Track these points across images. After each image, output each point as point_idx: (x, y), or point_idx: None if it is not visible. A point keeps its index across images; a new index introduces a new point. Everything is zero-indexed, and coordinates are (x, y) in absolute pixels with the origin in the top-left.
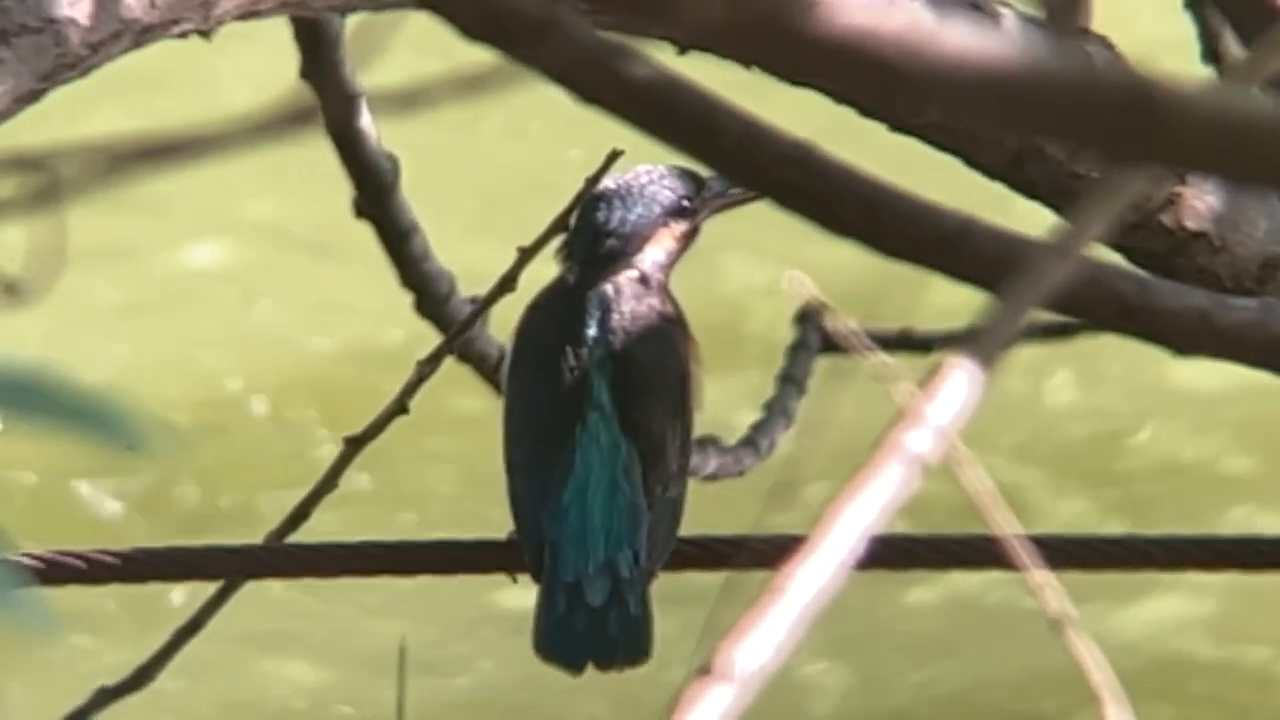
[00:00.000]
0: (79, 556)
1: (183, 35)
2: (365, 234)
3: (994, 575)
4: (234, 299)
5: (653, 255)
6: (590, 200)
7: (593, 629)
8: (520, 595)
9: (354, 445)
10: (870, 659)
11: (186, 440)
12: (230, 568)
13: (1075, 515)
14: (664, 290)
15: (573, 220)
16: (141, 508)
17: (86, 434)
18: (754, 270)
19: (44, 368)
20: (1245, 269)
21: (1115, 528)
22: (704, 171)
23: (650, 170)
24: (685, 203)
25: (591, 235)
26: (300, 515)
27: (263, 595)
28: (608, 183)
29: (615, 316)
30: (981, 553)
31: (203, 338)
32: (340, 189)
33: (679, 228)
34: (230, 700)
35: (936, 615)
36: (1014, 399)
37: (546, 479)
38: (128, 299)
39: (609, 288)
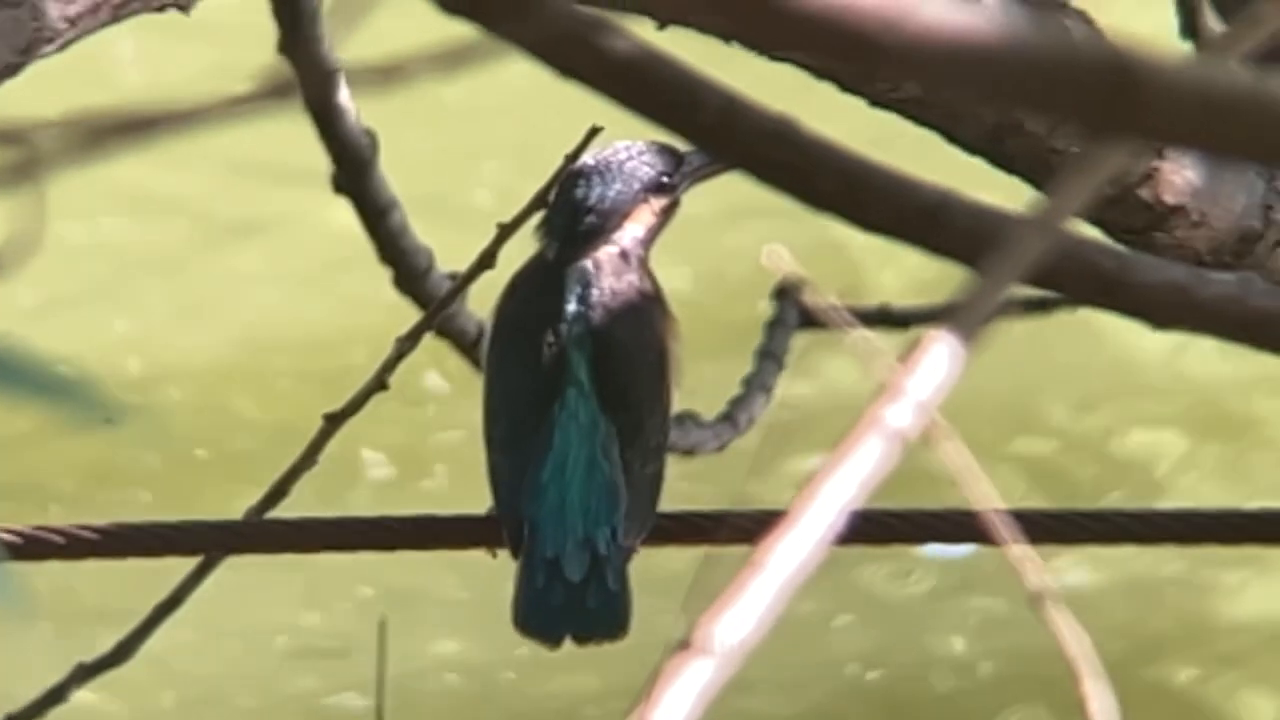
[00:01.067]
0: (57, 531)
1: (160, 9)
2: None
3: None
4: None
5: (632, 231)
6: (569, 176)
7: (571, 603)
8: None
9: (333, 422)
10: (1012, 634)
11: (164, 416)
12: (210, 542)
13: (1212, 489)
14: (643, 266)
15: (552, 196)
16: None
17: (58, 406)
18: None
19: (6, 341)
20: (1223, 243)
21: (1256, 503)
22: (683, 146)
23: (629, 146)
24: (665, 178)
25: (571, 212)
26: (279, 492)
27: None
28: (587, 159)
29: (594, 293)
30: (961, 527)
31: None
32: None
33: (659, 203)
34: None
35: (1080, 586)
36: (1152, 368)
37: (525, 455)
38: (273, 268)
39: (588, 264)
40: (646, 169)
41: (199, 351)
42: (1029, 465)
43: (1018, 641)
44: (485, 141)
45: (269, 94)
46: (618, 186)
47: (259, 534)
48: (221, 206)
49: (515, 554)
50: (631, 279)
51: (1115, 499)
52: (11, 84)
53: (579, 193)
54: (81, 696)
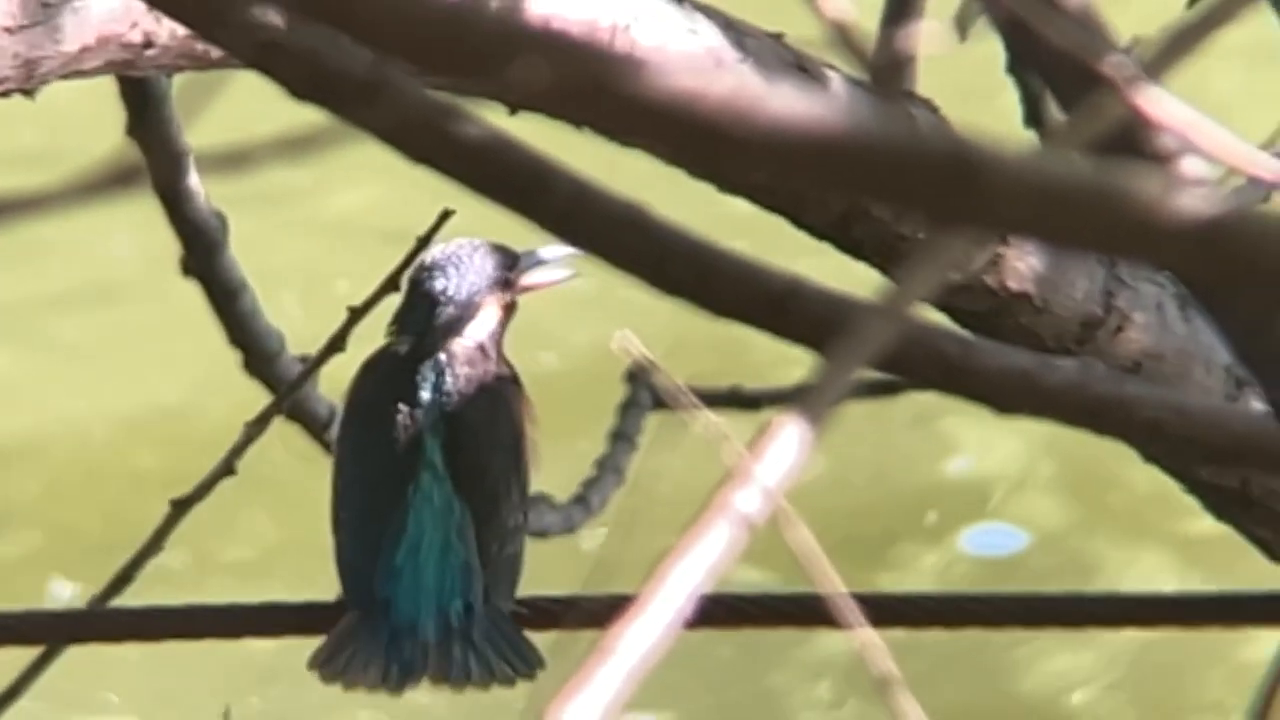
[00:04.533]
0: None
1: (5, 94)
2: None
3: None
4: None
5: (484, 323)
6: (420, 270)
7: (422, 657)
8: None
9: (180, 507)
10: None
11: None
12: (52, 632)
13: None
14: (499, 354)
15: (403, 289)
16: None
17: None
18: None
19: None
20: (1066, 329)
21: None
22: (517, 247)
23: (471, 242)
24: (507, 274)
25: (424, 304)
26: (124, 578)
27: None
28: (434, 252)
29: (449, 378)
30: (812, 611)
31: None
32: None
33: (503, 298)
34: None
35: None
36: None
37: (376, 539)
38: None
39: (440, 356)
40: (491, 264)
41: (35, 429)
42: None
43: None
44: (337, 225)
45: (117, 178)
46: (470, 278)
47: (103, 623)
48: (66, 278)
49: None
50: (487, 366)
51: None
52: None
53: (433, 284)
54: None
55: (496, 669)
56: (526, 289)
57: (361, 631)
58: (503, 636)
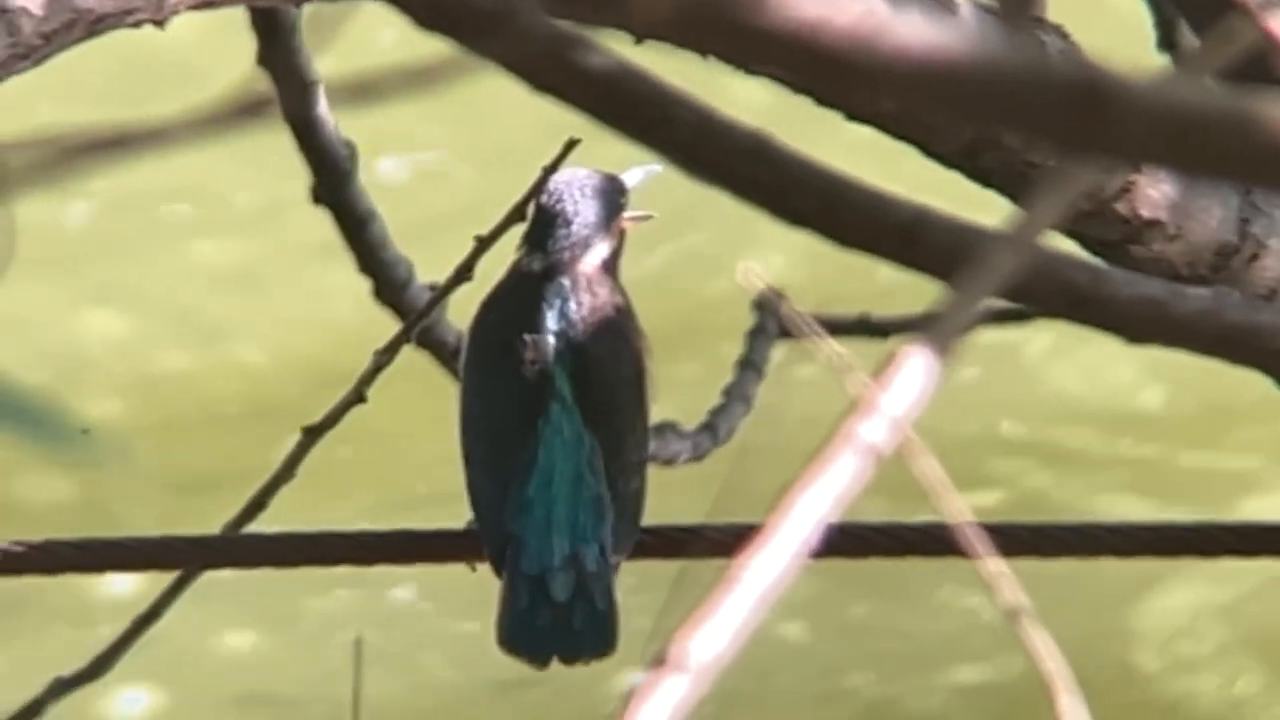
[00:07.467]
0: (34, 547)
1: (136, 25)
2: None
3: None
4: None
5: (606, 248)
6: (547, 193)
7: (557, 623)
8: None
9: (311, 435)
10: None
11: (126, 444)
12: (188, 558)
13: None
14: (617, 283)
15: (530, 211)
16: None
17: (26, 433)
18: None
19: None
20: (1200, 256)
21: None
22: (623, 176)
23: (589, 170)
24: (621, 200)
25: (549, 227)
26: (258, 504)
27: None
28: (560, 176)
29: (573, 308)
30: (938, 540)
31: None
32: None
33: (620, 225)
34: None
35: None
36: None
37: (508, 471)
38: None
39: (566, 280)
40: (611, 190)
41: (171, 361)
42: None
43: None
44: (461, 154)
45: (247, 109)
46: (593, 204)
47: (236, 549)
48: (183, 208)
49: (498, 571)
50: (607, 295)
51: None
52: None
53: (557, 208)
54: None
55: (604, 651)
56: (624, 224)
57: (505, 596)
58: (609, 605)
